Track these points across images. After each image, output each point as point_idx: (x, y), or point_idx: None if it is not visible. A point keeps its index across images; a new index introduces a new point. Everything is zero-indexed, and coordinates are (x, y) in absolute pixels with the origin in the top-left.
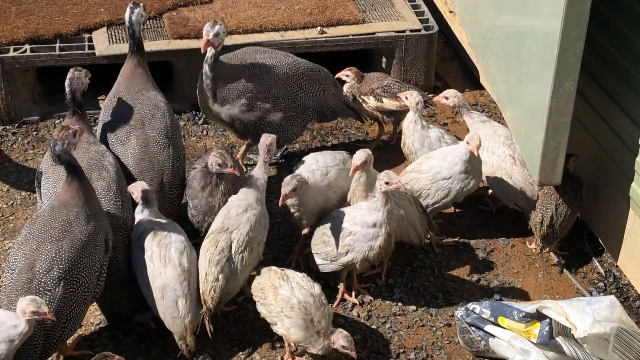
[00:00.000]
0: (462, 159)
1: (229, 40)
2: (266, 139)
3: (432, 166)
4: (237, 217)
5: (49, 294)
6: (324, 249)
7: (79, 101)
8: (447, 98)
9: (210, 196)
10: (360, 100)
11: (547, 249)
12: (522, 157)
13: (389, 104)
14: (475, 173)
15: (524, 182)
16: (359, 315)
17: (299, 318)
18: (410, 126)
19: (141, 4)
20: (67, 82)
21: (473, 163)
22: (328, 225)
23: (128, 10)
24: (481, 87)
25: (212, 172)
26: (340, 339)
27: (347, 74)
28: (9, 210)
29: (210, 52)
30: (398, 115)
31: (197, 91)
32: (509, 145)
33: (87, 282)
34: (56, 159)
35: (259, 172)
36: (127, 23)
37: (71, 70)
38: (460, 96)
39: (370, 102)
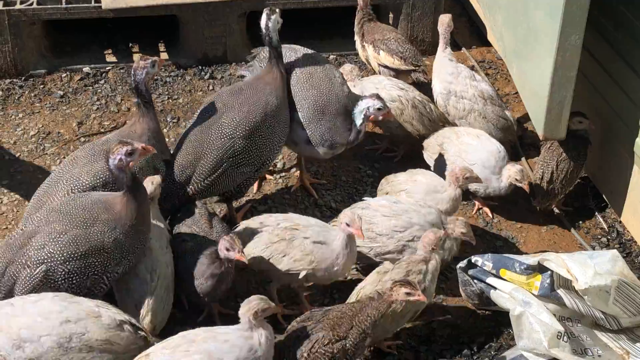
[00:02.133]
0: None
1: None
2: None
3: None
4: None
5: (28, 270)
6: (369, 244)
7: (143, 94)
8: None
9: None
10: (361, 47)
11: (548, 205)
12: (489, 93)
13: (384, 57)
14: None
15: (497, 118)
16: (357, 270)
17: None
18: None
19: (277, 10)
20: (132, 72)
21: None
22: (374, 217)
23: (264, 16)
24: (488, 44)
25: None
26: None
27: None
28: (16, 162)
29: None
30: (393, 74)
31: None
32: (475, 85)
33: (76, 280)
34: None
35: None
36: (263, 30)
37: (137, 58)
38: (447, 27)
39: (369, 51)
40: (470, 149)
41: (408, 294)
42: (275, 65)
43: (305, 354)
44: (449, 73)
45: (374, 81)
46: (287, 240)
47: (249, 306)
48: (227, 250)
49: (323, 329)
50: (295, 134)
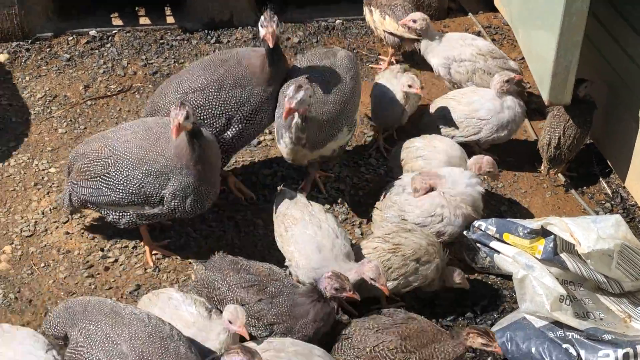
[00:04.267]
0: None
1: None
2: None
3: (473, 101)
4: None
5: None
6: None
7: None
8: (414, 21)
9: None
10: (369, 12)
11: (555, 171)
12: (487, 49)
13: (389, 23)
14: (514, 126)
15: (502, 71)
16: (362, 234)
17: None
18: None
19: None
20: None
21: (515, 116)
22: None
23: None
24: (495, 10)
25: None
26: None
27: None
28: (22, 124)
29: (296, 118)
30: (398, 41)
31: (289, 146)
32: (470, 44)
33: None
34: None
35: None
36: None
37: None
38: (427, 22)
39: (375, 16)
40: (476, 105)
41: (484, 344)
42: (271, 64)
43: (368, 348)
44: (438, 44)
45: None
46: None
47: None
48: (336, 290)
49: (394, 334)
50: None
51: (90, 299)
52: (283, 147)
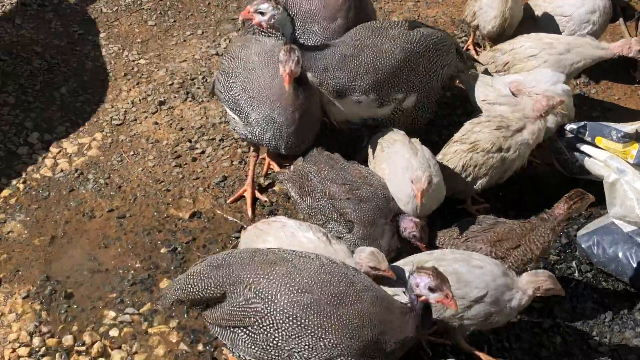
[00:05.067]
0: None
1: None
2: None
3: None
4: None
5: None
6: None
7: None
8: None
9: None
10: None
11: None
12: None
13: None
14: (598, 19)
15: None
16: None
17: None
18: None
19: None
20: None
21: (597, 9)
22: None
23: None
24: None
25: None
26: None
27: None
28: (113, 15)
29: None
30: None
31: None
32: None
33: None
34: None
35: None
36: None
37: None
38: None
39: None
40: (560, 2)
41: (583, 203)
42: None
43: None
44: None
45: None
46: None
47: (536, 279)
48: (414, 237)
49: (483, 241)
50: None
51: (241, 251)
52: None
